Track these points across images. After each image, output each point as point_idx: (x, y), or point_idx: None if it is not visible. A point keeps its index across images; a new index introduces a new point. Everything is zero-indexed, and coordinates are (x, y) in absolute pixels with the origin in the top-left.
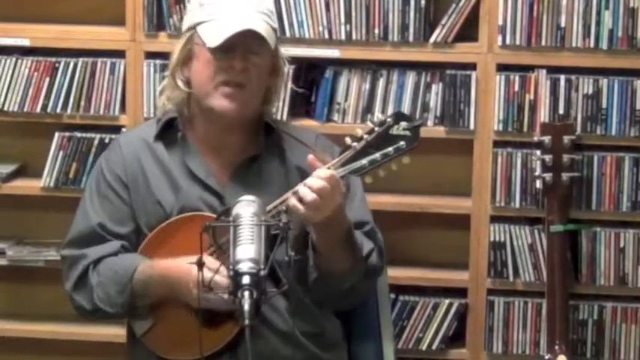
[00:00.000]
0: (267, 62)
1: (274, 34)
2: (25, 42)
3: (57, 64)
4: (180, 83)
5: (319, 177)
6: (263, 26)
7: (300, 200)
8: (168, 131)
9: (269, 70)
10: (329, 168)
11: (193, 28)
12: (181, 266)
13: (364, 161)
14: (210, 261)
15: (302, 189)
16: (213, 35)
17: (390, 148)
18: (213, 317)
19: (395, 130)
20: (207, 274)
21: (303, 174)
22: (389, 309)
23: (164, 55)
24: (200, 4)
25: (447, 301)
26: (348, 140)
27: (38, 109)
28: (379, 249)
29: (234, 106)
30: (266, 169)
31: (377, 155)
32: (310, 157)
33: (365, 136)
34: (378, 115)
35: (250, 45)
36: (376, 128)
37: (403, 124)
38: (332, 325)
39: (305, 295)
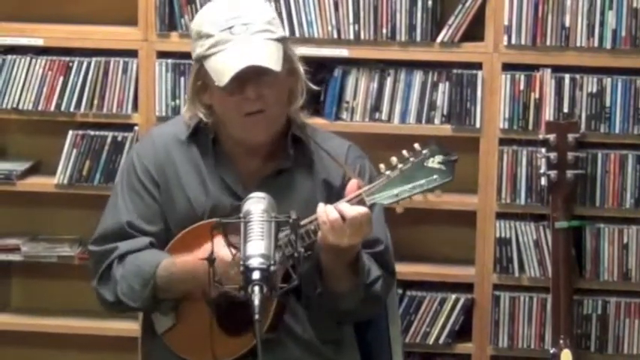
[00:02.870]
0: (282, 77)
1: (281, 46)
2: (39, 42)
3: (70, 64)
4: (201, 115)
5: (357, 211)
6: (266, 51)
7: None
8: (199, 132)
9: (285, 79)
10: (360, 195)
11: (199, 60)
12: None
13: (395, 191)
14: (222, 256)
15: (328, 207)
16: (219, 74)
17: (423, 181)
18: (236, 325)
19: (430, 163)
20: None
21: (329, 187)
22: (396, 304)
23: (176, 55)
24: (199, 35)
25: (453, 296)
26: (382, 168)
27: (52, 108)
28: (389, 274)
29: (258, 134)
30: (293, 181)
31: (408, 187)
32: (354, 182)
33: (399, 166)
34: (415, 146)
35: (259, 70)
36: (411, 159)
37: (438, 157)
38: (348, 328)
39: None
